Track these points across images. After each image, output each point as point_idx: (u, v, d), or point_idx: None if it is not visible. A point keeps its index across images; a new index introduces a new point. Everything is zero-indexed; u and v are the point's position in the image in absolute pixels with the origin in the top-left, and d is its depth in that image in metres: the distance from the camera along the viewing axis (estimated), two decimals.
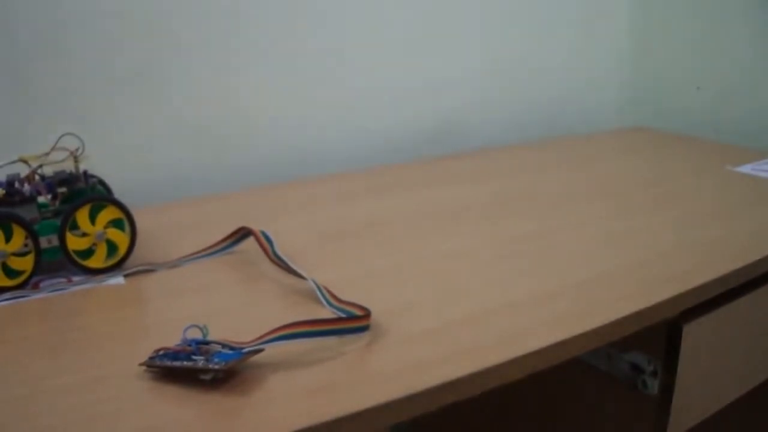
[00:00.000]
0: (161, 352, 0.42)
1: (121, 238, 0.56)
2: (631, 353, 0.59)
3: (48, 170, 0.57)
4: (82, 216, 0.54)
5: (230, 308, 0.50)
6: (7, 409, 0.38)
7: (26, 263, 0.53)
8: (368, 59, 0.92)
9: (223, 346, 0.42)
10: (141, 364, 0.41)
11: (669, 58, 1.11)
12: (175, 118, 0.80)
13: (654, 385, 0.57)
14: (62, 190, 0.57)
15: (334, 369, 0.42)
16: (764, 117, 0.98)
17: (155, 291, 0.54)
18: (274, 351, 0.42)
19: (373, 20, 0.91)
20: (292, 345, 0.43)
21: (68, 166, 0.58)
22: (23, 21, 0.69)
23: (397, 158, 0.94)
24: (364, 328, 0.45)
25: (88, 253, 0.55)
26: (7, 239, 0.52)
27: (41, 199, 0.56)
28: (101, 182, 0.61)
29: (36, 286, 0.54)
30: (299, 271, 0.53)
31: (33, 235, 0.53)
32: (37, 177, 0.57)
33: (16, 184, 0.55)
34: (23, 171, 0.57)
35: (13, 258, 0.52)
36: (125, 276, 0.56)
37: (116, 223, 0.56)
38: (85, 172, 0.59)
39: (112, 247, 0.56)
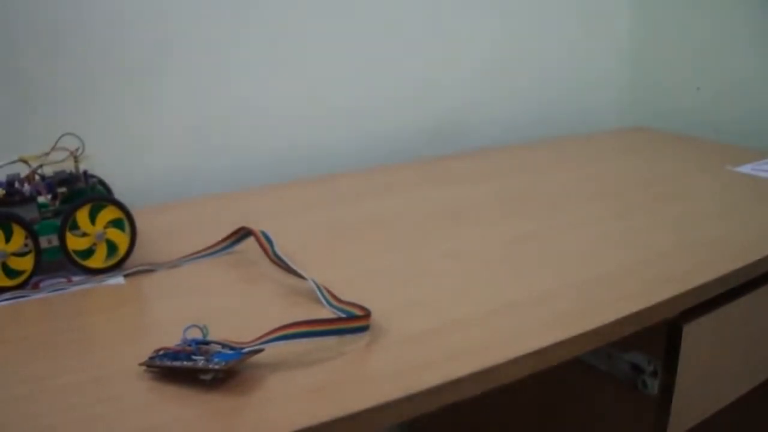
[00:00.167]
0: (161, 352, 0.42)
1: (121, 238, 0.56)
2: (631, 353, 0.59)
3: (48, 170, 0.57)
4: (82, 216, 0.54)
5: (230, 308, 0.50)
6: (7, 409, 0.38)
7: (26, 263, 0.53)
8: (368, 59, 0.92)
9: (223, 346, 0.42)
10: (141, 364, 0.41)
11: (669, 58, 1.11)
12: (175, 118, 0.80)
13: (654, 385, 0.57)
14: (62, 190, 0.57)
15: (334, 369, 0.42)
16: (764, 117, 0.98)
17: (155, 291, 0.54)
18: (273, 351, 0.42)
19: (373, 20, 0.91)
20: (291, 345, 0.43)
21: (68, 166, 0.58)
22: (23, 21, 0.69)
23: (397, 158, 0.94)
24: (364, 328, 0.45)
25: (88, 253, 0.55)
26: (7, 239, 0.52)
27: (41, 199, 0.56)
28: (101, 182, 0.61)
29: (36, 286, 0.54)
30: (299, 271, 0.53)
31: (33, 235, 0.53)
32: (37, 177, 0.57)
33: (16, 184, 0.55)
34: (23, 171, 0.57)
35: (13, 258, 0.52)
36: (125, 276, 0.55)
37: (116, 223, 0.56)
38: (85, 172, 0.59)
39: (112, 247, 0.56)
